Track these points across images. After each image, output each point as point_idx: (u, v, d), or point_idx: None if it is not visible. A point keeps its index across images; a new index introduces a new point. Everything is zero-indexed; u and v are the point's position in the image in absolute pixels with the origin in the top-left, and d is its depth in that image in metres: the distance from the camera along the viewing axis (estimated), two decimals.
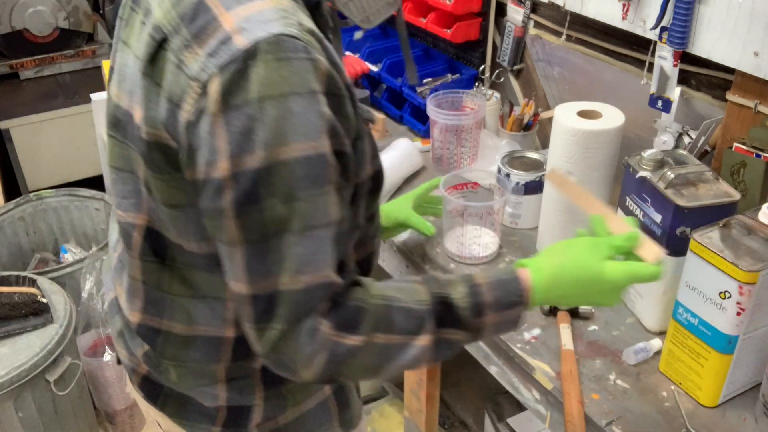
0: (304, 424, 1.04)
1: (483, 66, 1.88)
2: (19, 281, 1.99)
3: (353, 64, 1.94)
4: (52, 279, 2.07)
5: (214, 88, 0.73)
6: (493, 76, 1.86)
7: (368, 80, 2.06)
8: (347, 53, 2.08)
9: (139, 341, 1.00)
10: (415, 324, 0.84)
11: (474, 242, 1.36)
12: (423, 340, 0.84)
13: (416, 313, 0.84)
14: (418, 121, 1.89)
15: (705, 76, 1.38)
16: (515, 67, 1.82)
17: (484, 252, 1.37)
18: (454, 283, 0.88)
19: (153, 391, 1.03)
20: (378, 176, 0.95)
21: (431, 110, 1.63)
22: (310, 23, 0.80)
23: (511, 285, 0.88)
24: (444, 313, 0.85)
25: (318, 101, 0.75)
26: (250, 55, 0.73)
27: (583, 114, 1.26)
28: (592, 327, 1.21)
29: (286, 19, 0.76)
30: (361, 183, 0.90)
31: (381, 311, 0.83)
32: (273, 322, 0.78)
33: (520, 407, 1.94)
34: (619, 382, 1.10)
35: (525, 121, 1.69)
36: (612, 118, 1.25)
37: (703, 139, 1.35)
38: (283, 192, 0.75)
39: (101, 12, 3.64)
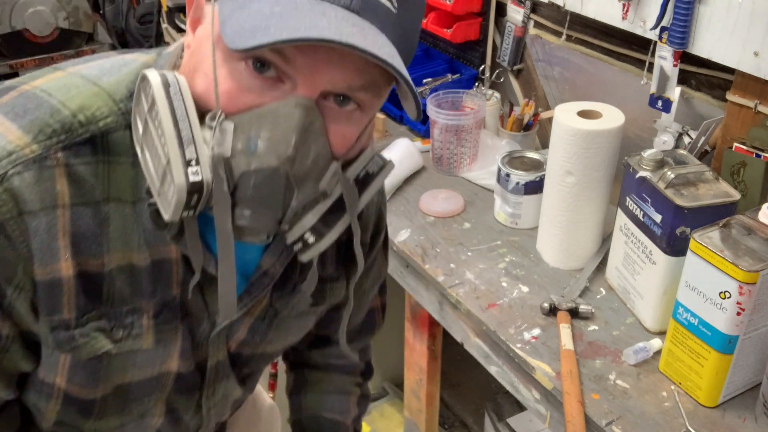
0: None
1: (483, 66, 1.88)
2: None
3: None
4: None
5: None
6: (493, 76, 1.86)
7: None
8: None
9: None
10: None
11: None
12: None
13: None
14: (418, 121, 1.89)
15: (705, 76, 1.38)
16: (515, 67, 1.81)
17: None
18: None
19: None
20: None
21: (431, 110, 1.63)
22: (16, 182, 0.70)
23: None
24: None
25: None
26: None
27: (583, 114, 1.26)
28: (592, 327, 1.21)
29: None
30: None
31: None
32: None
33: (520, 407, 1.94)
34: (619, 382, 1.10)
35: (525, 121, 1.69)
36: (612, 118, 1.25)
37: (703, 139, 1.35)
38: None
39: (101, 12, 3.64)
